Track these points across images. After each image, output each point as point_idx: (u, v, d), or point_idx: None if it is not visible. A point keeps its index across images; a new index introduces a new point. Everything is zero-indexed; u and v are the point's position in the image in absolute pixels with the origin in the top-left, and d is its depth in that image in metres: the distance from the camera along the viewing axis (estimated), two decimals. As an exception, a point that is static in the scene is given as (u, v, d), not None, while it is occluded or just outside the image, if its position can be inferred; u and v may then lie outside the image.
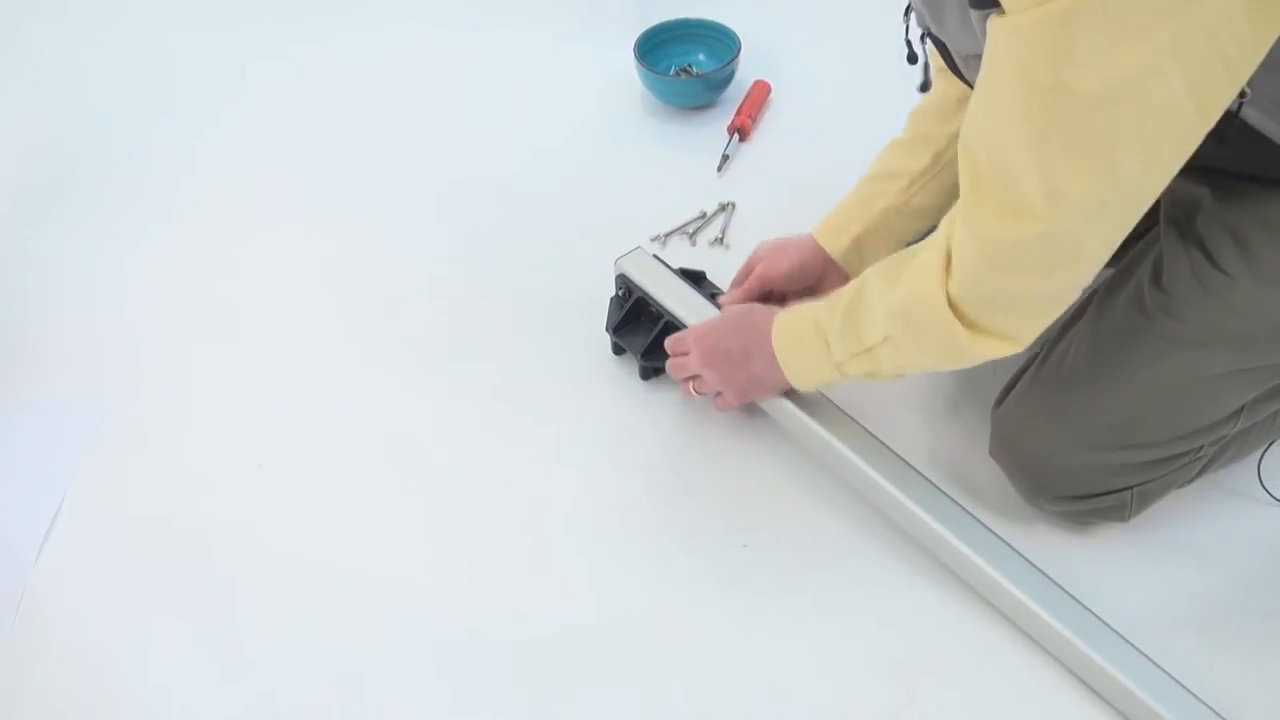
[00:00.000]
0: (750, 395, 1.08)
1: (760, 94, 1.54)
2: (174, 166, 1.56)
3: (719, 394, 1.09)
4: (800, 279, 1.13)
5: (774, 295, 1.14)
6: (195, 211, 1.48)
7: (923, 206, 1.11)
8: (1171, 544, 1.02)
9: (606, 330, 1.20)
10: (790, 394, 1.06)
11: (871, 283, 0.91)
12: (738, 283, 1.17)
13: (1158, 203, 0.98)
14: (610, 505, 1.10)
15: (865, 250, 1.12)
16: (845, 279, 1.08)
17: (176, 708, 0.99)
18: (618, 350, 1.21)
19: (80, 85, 1.72)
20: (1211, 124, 0.69)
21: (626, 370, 1.21)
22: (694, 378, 1.09)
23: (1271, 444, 1.03)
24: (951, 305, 0.82)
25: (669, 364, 1.12)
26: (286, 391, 1.24)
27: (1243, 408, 0.94)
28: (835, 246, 1.13)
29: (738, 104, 1.53)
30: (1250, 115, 0.78)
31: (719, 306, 1.14)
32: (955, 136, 1.02)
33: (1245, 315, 0.89)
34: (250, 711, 0.98)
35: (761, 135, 1.53)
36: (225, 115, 1.64)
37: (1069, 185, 0.71)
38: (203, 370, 1.27)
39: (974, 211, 0.79)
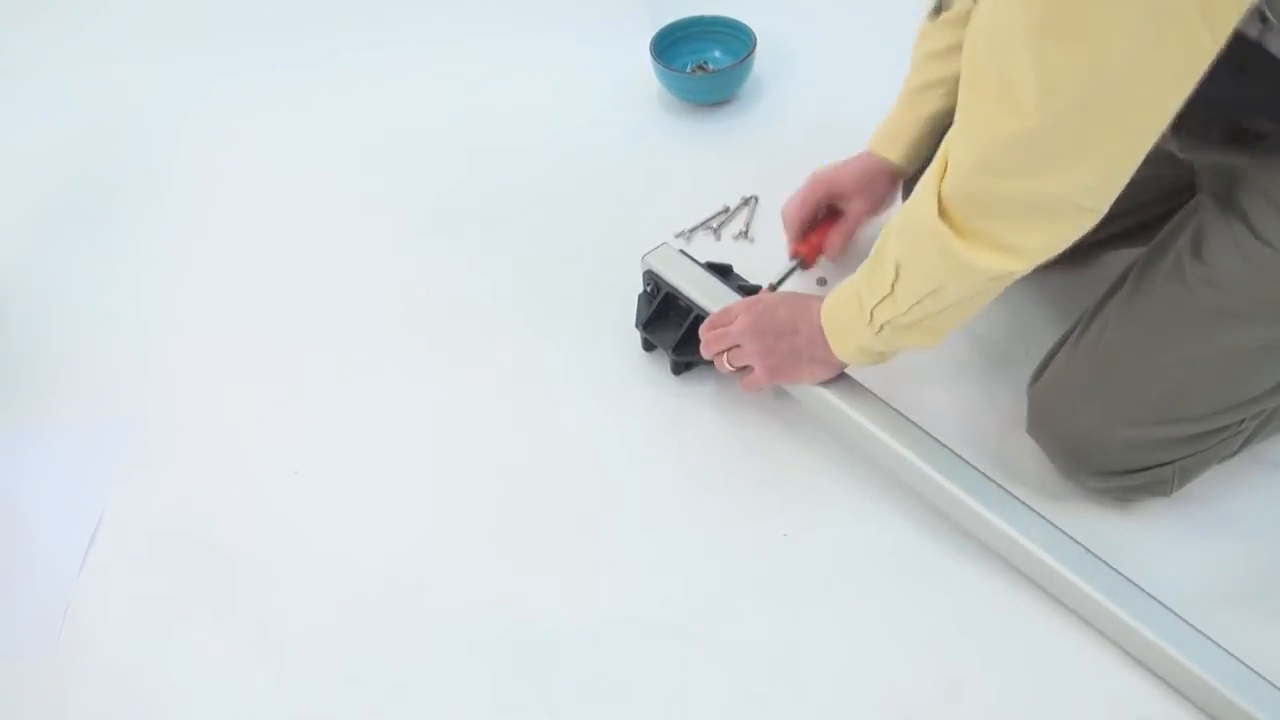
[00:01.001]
0: (787, 373, 1.05)
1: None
2: (181, 177, 1.57)
3: (750, 371, 1.07)
4: (860, 181, 1.20)
5: (836, 205, 1.22)
6: (211, 223, 1.49)
7: None
8: (1214, 518, 1.02)
9: (636, 327, 1.20)
10: (829, 387, 1.05)
11: (890, 224, 0.89)
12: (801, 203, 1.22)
13: (1192, 177, 0.98)
14: (648, 500, 1.11)
15: (924, 152, 1.17)
16: (898, 182, 1.20)
17: (222, 714, 0.99)
18: (648, 346, 1.21)
19: (87, 102, 1.73)
20: (1220, 43, 0.65)
21: (658, 366, 1.21)
22: (732, 349, 1.07)
23: None
24: (942, 210, 0.80)
25: (709, 333, 1.09)
26: (317, 397, 1.25)
27: None
28: (893, 153, 1.18)
29: (754, 102, 1.53)
30: (1274, 44, 0.77)
31: (745, 294, 1.14)
32: None
33: None
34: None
35: (776, 128, 1.52)
36: (243, 124, 1.65)
37: (1063, 80, 0.68)
38: (230, 379, 1.28)
39: (969, 106, 0.76)
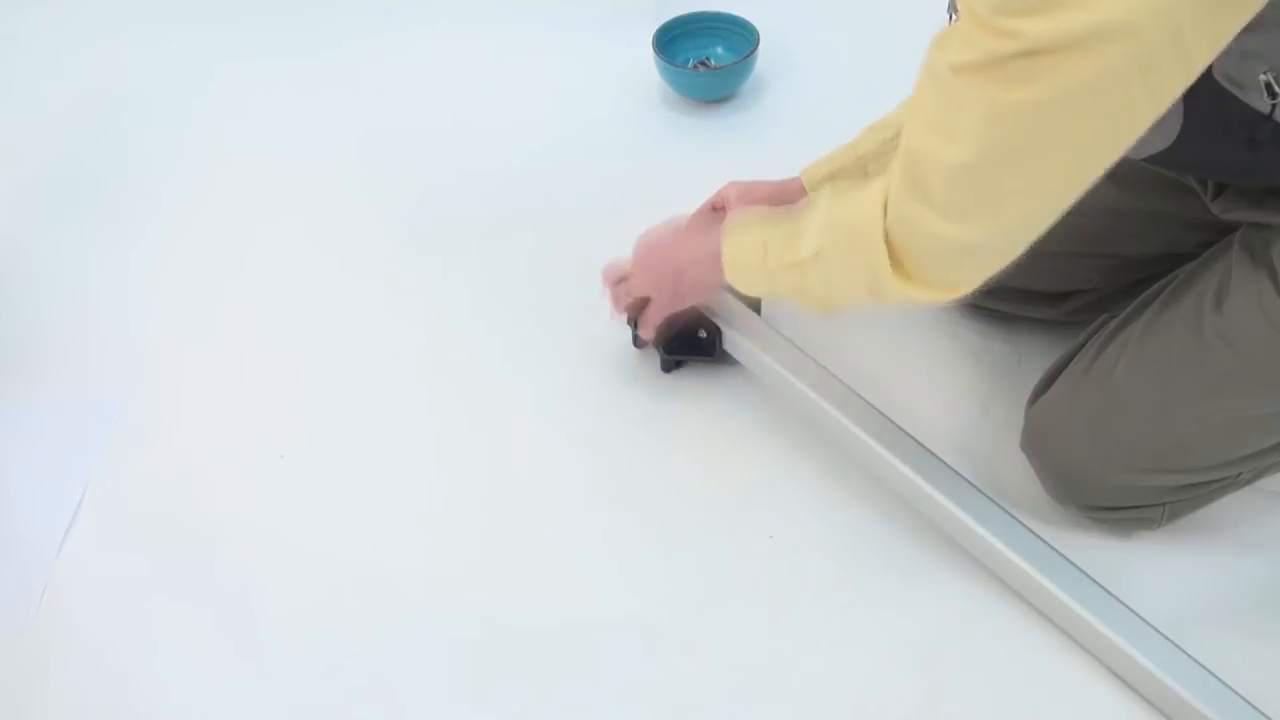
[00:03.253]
0: (675, 297, 1.07)
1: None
2: (180, 161, 1.56)
3: (645, 318, 1.11)
4: (773, 199, 1.12)
5: None
6: (207, 208, 1.48)
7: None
8: (1205, 538, 1.02)
9: (628, 323, 1.19)
10: (820, 389, 1.05)
11: (823, 197, 0.87)
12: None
13: (1223, 226, 0.95)
14: (634, 498, 1.10)
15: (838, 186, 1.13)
16: None
17: (198, 702, 0.99)
18: (639, 343, 1.20)
19: (88, 81, 1.71)
20: (1160, 109, 0.64)
21: (649, 363, 1.20)
22: (626, 281, 1.11)
23: None
24: (886, 234, 0.79)
25: (606, 273, 1.14)
26: (307, 384, 1.24)
27: None
28: (810, 177, 1.13)
29: (755, 99, 1.52)
30: None
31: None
32: None
33: None
34: (272, 709, 0.98)
35: (778, 125, 1.51)
36: (242, 110, 1.63)
37: (998, 122, 0.67)
38: (220, 364, 1.27)
39: (912, 123, 0.75)
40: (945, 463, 1.00)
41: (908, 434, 1.03)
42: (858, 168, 1.10)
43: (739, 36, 1.55)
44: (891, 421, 1.03)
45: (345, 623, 1.03)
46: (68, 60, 1.75)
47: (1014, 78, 0.64)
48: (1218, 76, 0.76)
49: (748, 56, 1.50)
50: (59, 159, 1.57)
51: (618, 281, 1.14)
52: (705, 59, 1.57)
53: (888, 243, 0.79)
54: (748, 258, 0.94)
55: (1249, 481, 0.98)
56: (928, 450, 1.01)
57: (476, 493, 1.12)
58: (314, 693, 0.98)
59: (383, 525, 1.10)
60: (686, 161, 1.47)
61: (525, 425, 1.17)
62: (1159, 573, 0.99)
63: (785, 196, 1.11)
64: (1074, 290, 1.13)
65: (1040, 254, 0.77)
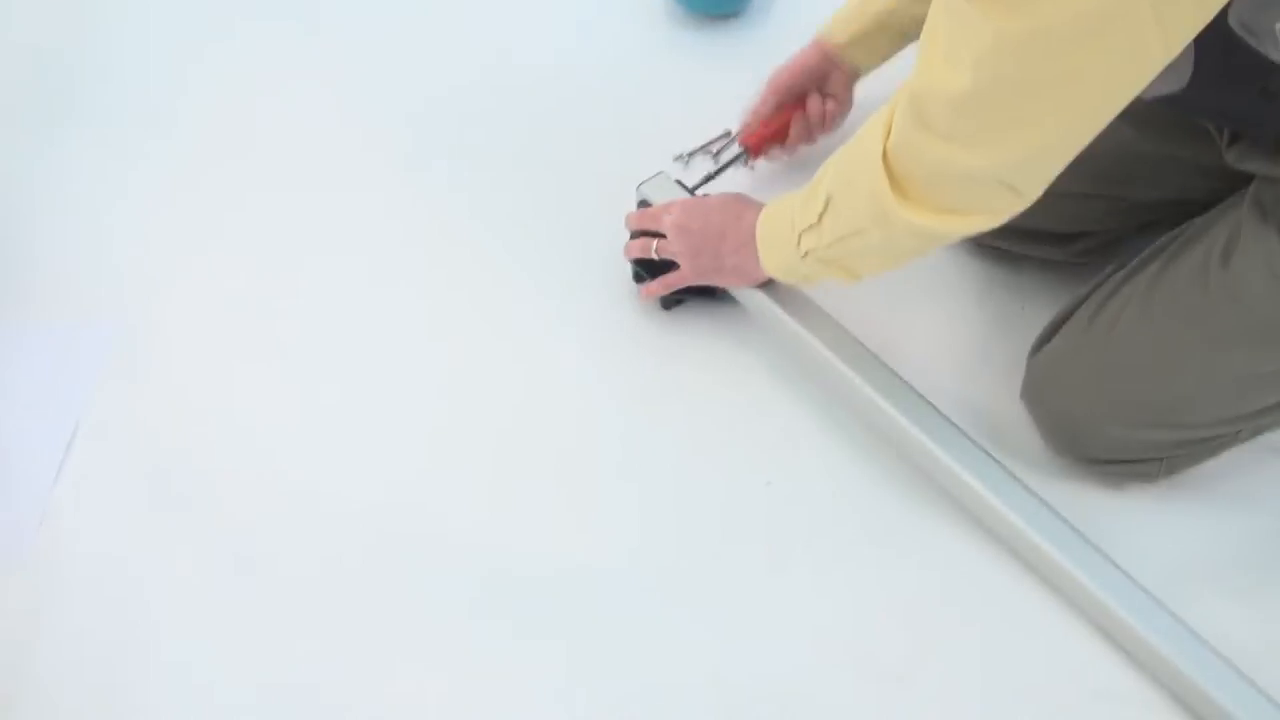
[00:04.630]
0: (709, 276, 1.07)
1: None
2: (173, 83, 1.49)
3: (660, 276, 1.10)
4: (804, 75, 1.18)
5: (792, 103, 1.20)
6: (197, 132, 1.41)
7: (918, 13, 1.07)
8: (1202, 493, 1.01)
9: (632, 264, 1.17)
10: (816, 330, 1.04)
11: (835, 154, 0.88)
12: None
13: (1236, 175, 0.93)
14: (633, 441, 1.10)
15: (865, 45, 1.16)
16: (850, 75, 1.19)
17: (193, 634, 1.00)
18: (638, 278, 1.18)
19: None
20: (1172, 52, 0.63)
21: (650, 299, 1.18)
22: (657, 237, 1.09)
23: None
24: (885, 153, 0.79)
25: (636, 214, 1.13)
26: (305, 321, 1.22)
27: None
28: (835, 39, 1.16)
29: (764, 15, 1.47)
30: None
31: None
32: None
33: None
34: (272, 640, 0.99)
35: (789, 45, 1.43)
36: (224, 35, 1.55)
37: (1004, 51, 0.67)
38: (217, 290, 1.24)
39: (923, 56, 0.75)
40: (940, 412, 0.99)
41: (902, 379, 1.01)
42: (880, 23, 1.14)
43: (748, -53, 1.48)
44: (887, 367, 1.02)
45: (343, 564, 1.03)
46: None
47: (1021, 5, 0.63)
48: (1233, 23, 0.74)
49: (757, -30, 1.44)
50: (52, 66, 1.51)
51: (641, 231, 1.12)
52: (713, -28, 1.51)
53: (888, 168, 0.79)
54: (777, 233, 0.96)
55: (1248, 439, 0.97)
56: (922, 397, 1.00)
57: (475, 432, 1.11)
58: (309, 631, 1.00)
59: (381, 465, 1.09)
60: (688, 81, 1.41)
61: (522, 361, 1.16)
62: (1154, 528, 1.00)
63: (815, 66, 1.18)
64: (1083, 231, 1.11)
65: (1050, 193, 0.77)
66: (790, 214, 0.93)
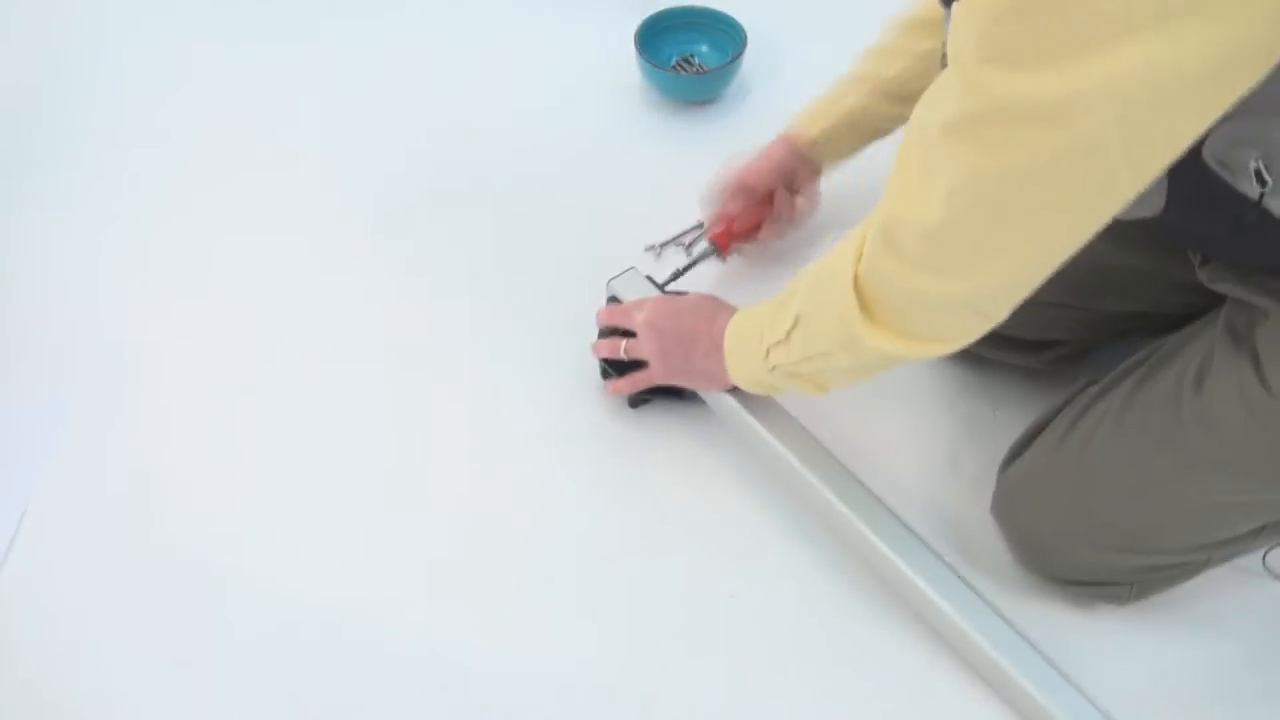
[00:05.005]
0: (678, 378, 1.06)
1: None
2: (151, 139, 1.48)
3: (634, 378, 1.09)
4: (772, 173, 1.19)
5: (751, 195, 1.21)
6: (166, 198, 1.40)
7: (887, 112, 1.14)
8: (1172, 615, 0.99)
9: (601, 362, 1.15)
10: (783, 436, 1.03)
11: (806, 268, 0.88)
12: (711, 198, 1.23)
13: (1211, 292, 0.92)
14: (591, 540, 1.07)
15: (833, 142, 1.18)
16: (815, 172, 1.21)
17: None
18: (606, 374, 1.16)
19: (34, 43, 1.62)
20: (1140, 186, 0.62)
21: (616, 396, 1.16)
22: (626, 336, 1.08)
23: (1274, 546, 0.98)
24: (856, 284, 0.78)
25: (607, 311, 1.12)
26: (264, 393, 1.19)
27: (1263, 527, 0.90)
28: (804, 136, 1.17)
29: (739, 103, 1.47)
30: (1275, 206, 0.74)
31: None
32: (925, 56, 1.08)
33: None
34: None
35: (760, 132, 1.44)
36: (194, 98, 1.54)
37: (974, 182, 0.66)
38: (176, 362, 1.22)
39: (894, 182, 0.74)
40: (907, 525, 0.98)
41: (868, 490, 1.00)
42: (849, 123, 1.16)
43: (725, 36, 1.48)
44: (854, 477, 1.01)
45: (286, 650, 1.00)
46: (29, 21, 1.65)
47: (993, 142, 0.62)
48: (1207, 158, 0.74)
49: (732, 61, 1.43)
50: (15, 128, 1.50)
51: (611, 330, 1.10)
52: (688, 55, 1.51)
53: (859, 293, 0.78)
54: (745, 346, 0.95)
55: (1218, 564, 0.96)
56: (889, 510, 0.99)
57: (426, 522, 1.09)
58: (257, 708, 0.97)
59: (332, 549, 1.07)
60: (662, 168, 1.40)
61: (481, 450, 1.14)
62: (1122, 650, 0.98)
63: (781, 161, 1.19)
64: (1055, 340, 1.11)
65: (1024, 302, 0.76)
66: (759, 327, 0.92)
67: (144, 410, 1.18)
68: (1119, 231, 0.84)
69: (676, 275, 1.20)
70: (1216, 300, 0.93)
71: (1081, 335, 1.10)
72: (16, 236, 1.36)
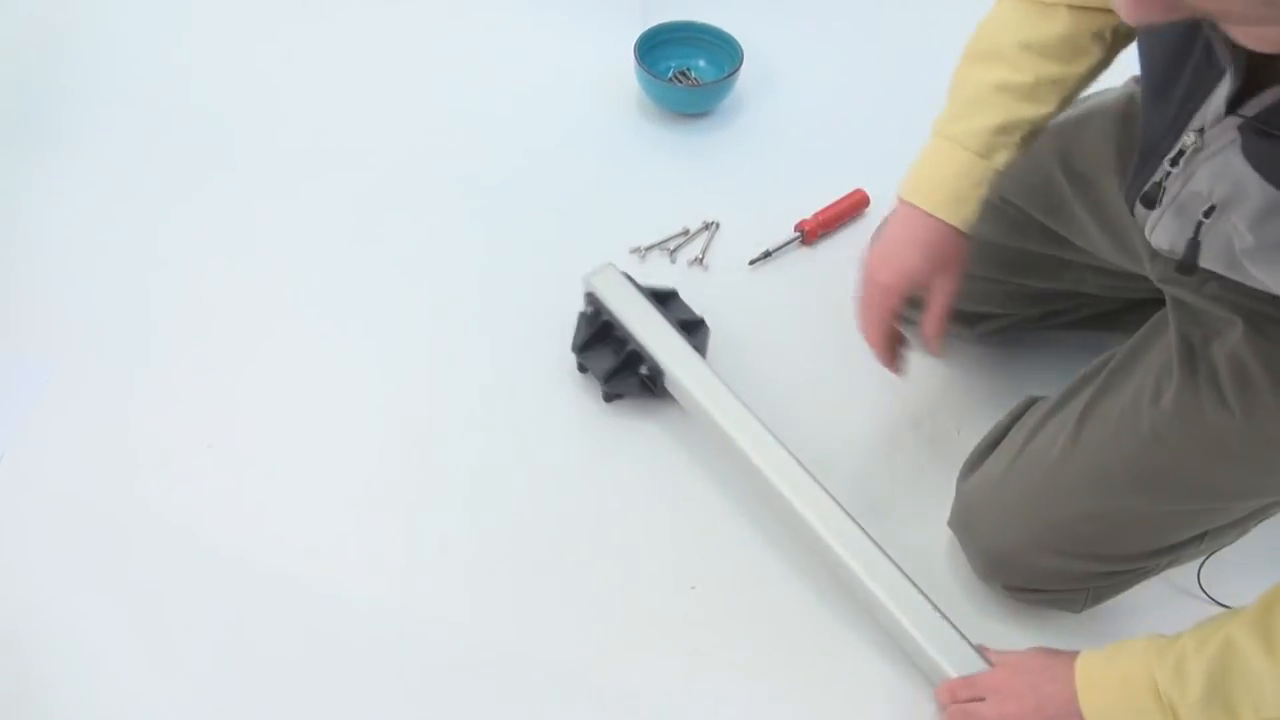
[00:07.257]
0: None
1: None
2: (144, 109, 1.50)
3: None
4: (929, 266, 0.93)
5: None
6: (167, 176, 1.42)
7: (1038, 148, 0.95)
8: (1122, 630, 1.01)
9: (572, 349, 1.16)
10: (750, 446, 1.04)
11: (1241, 646, 0.73)
12: (865, 301, 0.98)
13: (1132, 276, 0.97)
14: (561, 529, 1.08)
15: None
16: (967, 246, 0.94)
17: (105, 688, 0.97)
18: (583, 369, 1.18)
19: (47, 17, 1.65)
20: None
21: (591, 389, 1.18)
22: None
23: (1209, 555, 1.00)
24: None
25: (948, 688, 0.93)
26: (244, 380, 1.20)
27: (1205, 534, 0.92)
28: (961, 215, 0.91)
29: (733, 117, 1.50)
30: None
31: (684, 328, 1.14)
32: (1084, 78, 0.89)
33: (1237, 461, 0.86)
34: (178, 705, 0.97)
35: (754, 145, 1.48)
36: (191, 92, 1.55)
37: None
38: (161, 342, 1.23)
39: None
40: (866, 532, 0.99)
41: (833, 498, 1.01)
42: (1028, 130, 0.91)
43: (723, 52, 1.51)
44: (819, 484, 1.02)
45: (252, 628, 1.01)
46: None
47: None
48: None
49: (729, 76, 1.46)
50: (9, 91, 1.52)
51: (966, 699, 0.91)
52: (686, 69, 1.54)
53: None
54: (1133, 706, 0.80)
55: (1163, 569, 0.98)
56: (850, 517, 1.00)
57: (400, 509, 1.10)
58: (213, 691, 0.98)
59: (304, 532, 1.08)
60: (653, 176, 1.43)
61: (458, 440, 1.15)
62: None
63: (938, 249, 0.93)
64: (987, 313, 1.15)
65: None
66: (1164, 706, 0.77)
67: (131, 374, 1.20)
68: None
69: (765, 255, 1.32)
70: (1138, 283, 0.96)
71: (1011, 310, 1.14)
72: (20, 185, 1.38)
